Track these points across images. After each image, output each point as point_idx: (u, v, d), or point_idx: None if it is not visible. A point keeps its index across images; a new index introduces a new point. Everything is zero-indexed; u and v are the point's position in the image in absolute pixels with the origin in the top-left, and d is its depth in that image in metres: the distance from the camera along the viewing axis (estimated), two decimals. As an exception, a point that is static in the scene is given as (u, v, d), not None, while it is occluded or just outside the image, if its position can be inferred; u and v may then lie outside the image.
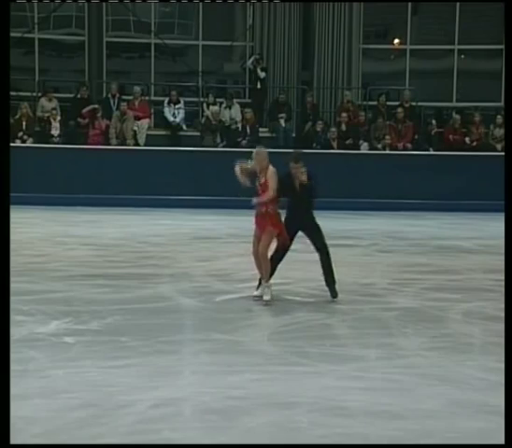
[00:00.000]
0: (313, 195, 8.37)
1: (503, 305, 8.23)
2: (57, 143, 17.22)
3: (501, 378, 5.83)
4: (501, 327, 7.38)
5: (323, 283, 8.45)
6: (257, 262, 8.31)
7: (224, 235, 12.88)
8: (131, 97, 18.14)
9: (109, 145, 17.34)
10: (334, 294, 8.34)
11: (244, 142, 17.40)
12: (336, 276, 8.41)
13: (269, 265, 8.25)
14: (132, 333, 6.91)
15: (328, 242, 8.47)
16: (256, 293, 8.32)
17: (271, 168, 8.18)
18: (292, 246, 11.30)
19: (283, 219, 8.34)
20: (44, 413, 5.03)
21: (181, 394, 5.46)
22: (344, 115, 17.92)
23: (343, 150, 17.25)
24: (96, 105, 17.64)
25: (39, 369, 5.89)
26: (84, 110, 17.55)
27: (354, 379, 5.83)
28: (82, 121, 17.65)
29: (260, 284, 8.33)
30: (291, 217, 8.38)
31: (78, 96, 17.99)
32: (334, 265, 8.37)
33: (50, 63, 19.58)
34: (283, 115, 18.11)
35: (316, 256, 8.44)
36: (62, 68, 19.72)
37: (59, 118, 17.49)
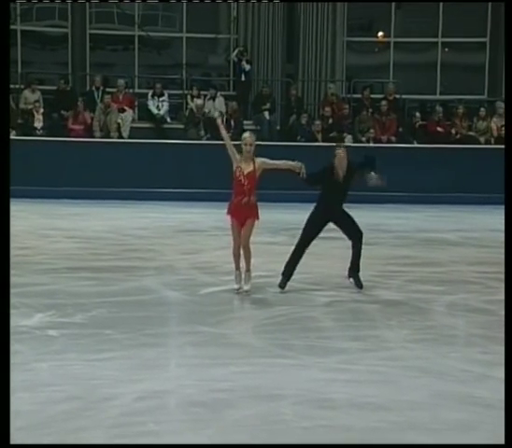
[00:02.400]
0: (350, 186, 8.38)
1: (486, 297, 8.31)
2: (40, 135, 17.15)
3: (484, 370, 5.88)
4: (484, 319, 7.44)
5: (306, 275, 8.46)
6: (237, 258, 8.28)
7: (209, 228, 12.87)
8: (115, 90, 18.08)
9: (93, 137, 17.28)
10: (359, 284, 8.36)
11: (228, 134, 17.38)
12: (324, 270, 8.42)
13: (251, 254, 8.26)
14: (116, 326, 6.91)
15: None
16: (237, 286, 8.31)
17: (259, 159, 8.17)
18: (274, 239, 11.36)
19: (312, 212, 8.33)
20: (28, 407, 5.02)
21: (166, 387, 5.47)
22: (327, 109, 17.92)
23: (327, 143, 17.27)
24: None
25: (23, 362, 5.87)
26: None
27: (338, 371, 5.85)
28: (66, 114, 17.58)
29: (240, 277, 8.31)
30: (325, 209, 8.30)
31: (61, 87, 17.92)
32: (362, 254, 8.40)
33: (33, 55, 19.47)
34: (267, 106, 18.10)
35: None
36: (45, 60, 19.61)
37: (42, 110, 17.41)
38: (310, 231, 8.34)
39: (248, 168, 8.13)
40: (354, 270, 8.43)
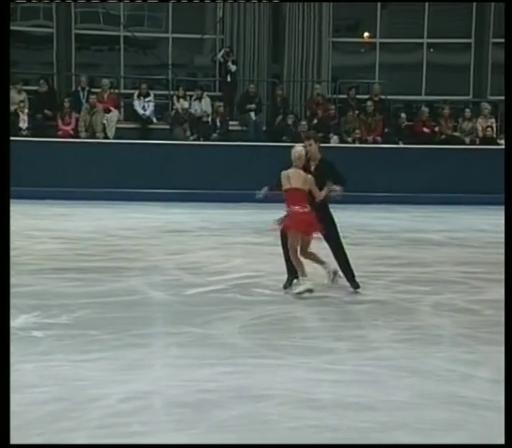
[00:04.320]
0: (332, 182, 8.36)
1: (472, 297, 8.34)
2: (25, 136, 17.09)
3: (469, 369, 5.90)
4: (470, 318, 7.46)
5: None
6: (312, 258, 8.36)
7: (195, 228, 12.87)
8: (100, 90, 18.04)
9: (79, 138, 17.25)
10: (355, 285, 8.36)
11: (214, 135, 17.37)
12: (308, 269, 8.41)
13: None
14: (102, 327, 6.88)
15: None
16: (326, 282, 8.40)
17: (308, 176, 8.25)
18: (261, 239, 11.33)
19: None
20: (14, 408, 4.98)
21: (152, 387, 5.45)
22: (313, 110, 17.95)
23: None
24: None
25: (9, 363, 5.85)
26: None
27: (325, 371, 5.85)
28: (49, 114, 17.54)
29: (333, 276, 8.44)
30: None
31: (40, 89, 17.85)
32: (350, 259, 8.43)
33: (18, 55, 19.38)
34: (252, 106, 18.10)
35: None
36: (30, 60, 19.56)
37: (27, 110, 17.35)
38: None
39: (298, 182, 8.17)
40: (349, 276, 8.41)
